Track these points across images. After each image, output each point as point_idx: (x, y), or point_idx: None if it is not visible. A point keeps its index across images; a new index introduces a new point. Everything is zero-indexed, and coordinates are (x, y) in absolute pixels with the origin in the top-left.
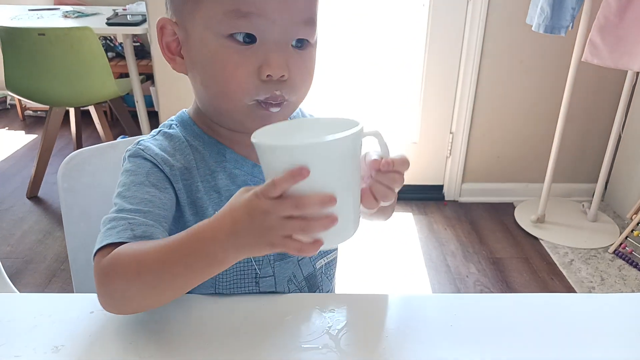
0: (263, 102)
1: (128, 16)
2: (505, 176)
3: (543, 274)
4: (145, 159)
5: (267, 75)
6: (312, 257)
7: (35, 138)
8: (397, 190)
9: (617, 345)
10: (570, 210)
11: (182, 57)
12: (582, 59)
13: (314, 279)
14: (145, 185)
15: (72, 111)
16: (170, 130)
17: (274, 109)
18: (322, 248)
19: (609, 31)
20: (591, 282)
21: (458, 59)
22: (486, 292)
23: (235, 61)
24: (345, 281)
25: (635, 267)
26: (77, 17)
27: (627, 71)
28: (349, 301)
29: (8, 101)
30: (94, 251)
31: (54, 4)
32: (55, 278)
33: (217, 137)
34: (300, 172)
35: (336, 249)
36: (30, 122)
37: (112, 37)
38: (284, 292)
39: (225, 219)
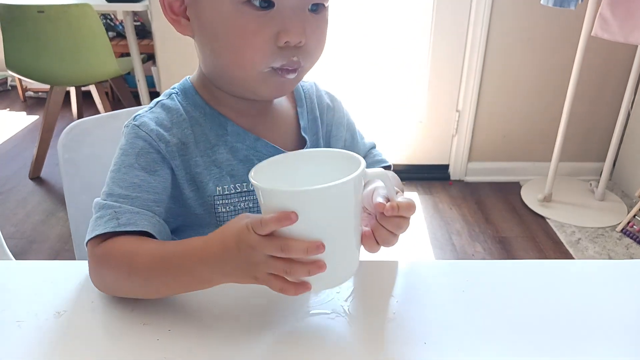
0: (279, 69)
1: None
2: (511, 155)
3: (550, 252)
4: (139, 136)
5: (285, 42)
6: None
7: (37, 119)
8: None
9: (629, 309)
10: (577, 189)
11: (187, 18)
12: (592, 34)
13: None
14: (135, 168)
15: (73, 92)
16: (169, 102)
17: (290, 75)
18: (310, 291)
19: (620, 4)
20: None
21: (464, 36)
22: None
23: (253, 28)
24: None
25: None
26: None
27: (637, 47)
28: (358, 267)
29: (9, 82)
30: (86, 240)
31: None
32: (59, 258)
33: (219, 107)
34: (288, 217)
35: None
36: (32, 103)
37: (113, 16)
38: None
39: (217, 244)
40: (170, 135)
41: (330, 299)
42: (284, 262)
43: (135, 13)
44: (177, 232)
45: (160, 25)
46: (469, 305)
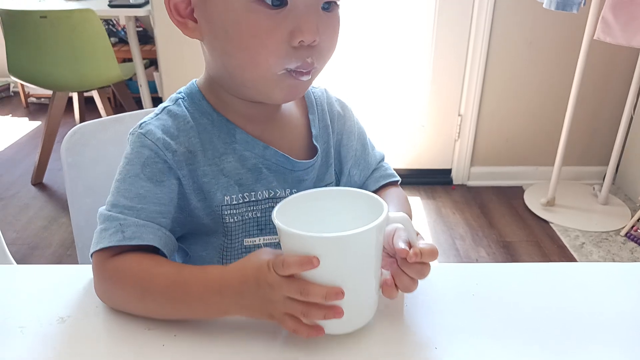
0: (293, 71)
1: None
2: (514, 159)
3: (554, 257)
4: (145, 145)
5: (299, 42)
6: None
7: (39, 125)
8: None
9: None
10: (580, 193)
11: (194, 20)
12: (594, 37)
13: None
14: (140, 178)
15: (75, 97)
16: (175, 108)
17: (304, 78)
18: (325, 333)
19: (622, 8)
20: None
21: (466, 40)
22: None
23: (266, 27)
24: None
25: None
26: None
27: (639, 50)
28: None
29: (11, 88)
30: (91, 252)
31: None
32: (62, 264)
33: (227, 113)
34: (310, 262)
35: None
36: (34, 109)
37: (115, 22)
38: None
39: (236, 276)
40: (177, 144)
41: None
42: (301, 304)
43: (137, 18)
44: (183, 239)
45: (163, 31)
46: (479, 309)
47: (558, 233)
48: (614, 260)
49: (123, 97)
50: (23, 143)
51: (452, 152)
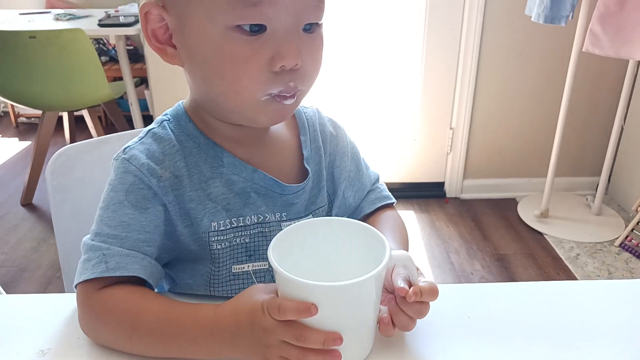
0: (277, 95)
1: (120, 17)
2: (507, 171)
3: (549, 269)
4: (129, 171)
5: (281, 67)
6: None
7: (29, 145)
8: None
9: (635, 331)
10: (574, 204)
11: (173, 46)
12: (583, 50)
13: None
14: (124, 205)
15: (65, 117)
16: (160, 131)
17: (289, 101)
18: None
19: (610, 20)
20: (598, 275)
21: (457, 52)
22: None
23: (246, 55)
24: None
25: None
26: (68, 19)
27: (628, 61)
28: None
29: (1, 108)
30: (74, 283)
31: (45, 8)
32: (51, 286)
33: (214, 136)
34: (308, 310)
35: None
36: (24, 129)
37: (105, 41)
38: None
39: (229, 318)
40: (162, 169)
41: None
42: (298, 349)
43: (127, 37)
44: (170, 266)
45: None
46: (476, 332)
47: (552, 244)
48: (609, 271)
49: (114, 116)
50: (13, 163)
51: (445, 165)
